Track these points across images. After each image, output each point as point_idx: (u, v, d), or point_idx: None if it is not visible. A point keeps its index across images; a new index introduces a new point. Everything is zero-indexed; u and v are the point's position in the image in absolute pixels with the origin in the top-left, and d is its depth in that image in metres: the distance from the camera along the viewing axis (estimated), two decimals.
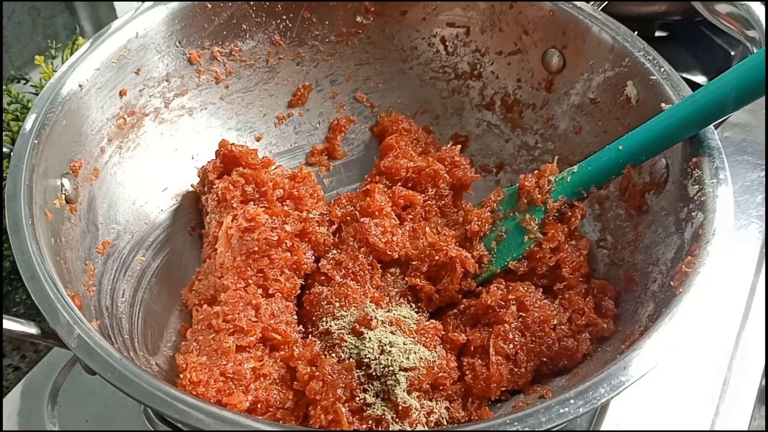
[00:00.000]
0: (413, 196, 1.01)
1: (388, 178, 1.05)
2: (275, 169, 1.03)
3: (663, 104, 0.89)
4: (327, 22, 1.12)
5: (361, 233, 0.95)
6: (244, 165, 1.00)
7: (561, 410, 0.63)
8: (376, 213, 0.97)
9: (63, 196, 0.84)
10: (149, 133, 1.02)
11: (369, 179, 1.08)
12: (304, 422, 0.79)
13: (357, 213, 0.98)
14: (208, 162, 1.03)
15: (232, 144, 1.02)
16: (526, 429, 0.61)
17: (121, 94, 0.97)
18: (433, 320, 0.89)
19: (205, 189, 1.02)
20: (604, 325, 0.86)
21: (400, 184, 1.03)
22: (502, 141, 1.13)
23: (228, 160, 1.01)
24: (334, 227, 0.99)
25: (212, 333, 0.84)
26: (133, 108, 0.99)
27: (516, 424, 0.62)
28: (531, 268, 0.92)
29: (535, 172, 0.95)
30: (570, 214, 0.92)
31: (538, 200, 0.92)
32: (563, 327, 0.86)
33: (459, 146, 1.08)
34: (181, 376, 0.80)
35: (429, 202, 1.02)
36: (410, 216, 1.00)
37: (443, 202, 1.03)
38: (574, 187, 0.91)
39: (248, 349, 0.84)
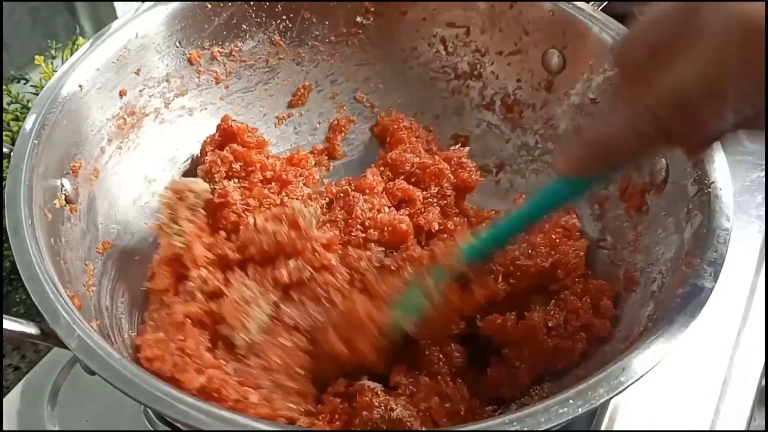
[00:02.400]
0: (412, 192, 1.01)
1: (391, 170, 1.05)
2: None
3: None
4: (327, 23, 1.12)
5: (348, 206, 0.97)
6: (239, 142, 1.02)
7: (560, 410, 0.62)
8: (367, 191, 0.99)
9: (63, 196, 0.84)
10: (149, 134, 1.02)
11: (374, 168, 1.08)
12: None
13: (349, 189, 1.01)
14: (209, 135, 1.05)
15: (234, 120, 1.04)
16: (526, 429, 0.61)
17: (121, 94, 0.97)
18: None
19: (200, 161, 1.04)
20: (601, 326, 0.86)
21: (402, 177, 1.04)
22: (502, 141, 1.13)
23: (226, 134, 1.03)
24: (325, 201, 1.01)
25: (165, 309, 0.85)
26: (133, 108, 0.99)
27: (515, 424, 0.61)
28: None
29: (447, 241, 0.93)
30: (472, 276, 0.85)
31: (444, 266, 0.84)
32: (559, 328, 0.86)
33: (467, 148, 1.08)
34: (139, 355, 0.79)
35: (430, 200, 1.02)
36: (410, 211, 1.00)
37: (445, 202, 1.03)
38: (479, 251, 0.83)
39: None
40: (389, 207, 0.99)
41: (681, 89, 0.53)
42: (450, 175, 1.03)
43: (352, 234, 0.95)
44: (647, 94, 0.56)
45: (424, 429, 0.76)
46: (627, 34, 0.62)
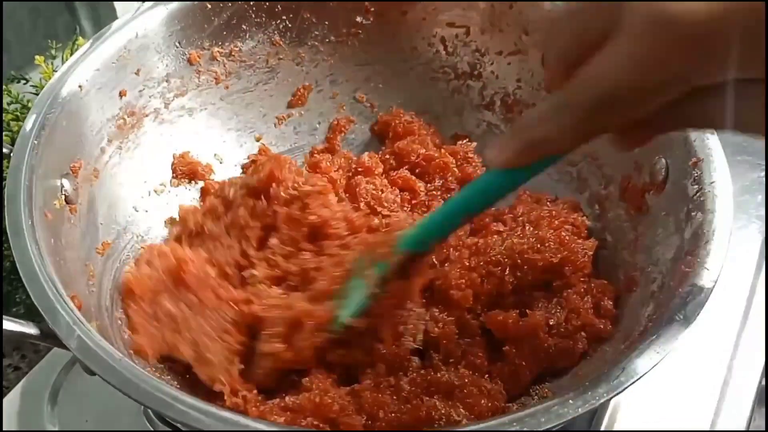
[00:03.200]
0: (413, 182, 1.01)
1: (397, 159, 1.05)
2: None
3: None
4: (327, 23, 1.12)
5: (351, 188, 1.01)
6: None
7: (560, 411, 0.62)
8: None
9: (63, 196, 0.84)
10: (149, 134, 1.02)
11: (380, 156, 1.09)
12: None
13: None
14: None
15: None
16: (525, 429, 0.61)
17: (121, 94, 0.97)
18: None
19: None
20: (601, 326, 0.85)
21: (406, 168, 1.04)
22: None
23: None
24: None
25: None
26: (133, 108, 0.99)
27: (515, 424, 0.61)
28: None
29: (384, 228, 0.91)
30: (411, 266, 0.83)
31: (382, 254, 0.83)
32: (560, 327, 0.86)
33: (474, 143, 1.08)
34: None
35: (434, 192, 1.02)
36: (413, 202, 1.02)
37: (449, 196, 1.03)
38: (416, 239, 0.81)
39: None
40: (391, 188, 1.01)
41: (598, 81, 0.52)
42: (455, 168, 1.03)
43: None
44: (569, 84, 0.54)
45: (427, 429, 0.76)
46: (554, 21, 0.59)
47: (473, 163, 1.05)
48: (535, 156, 0.61)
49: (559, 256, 0.90)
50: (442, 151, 1.06)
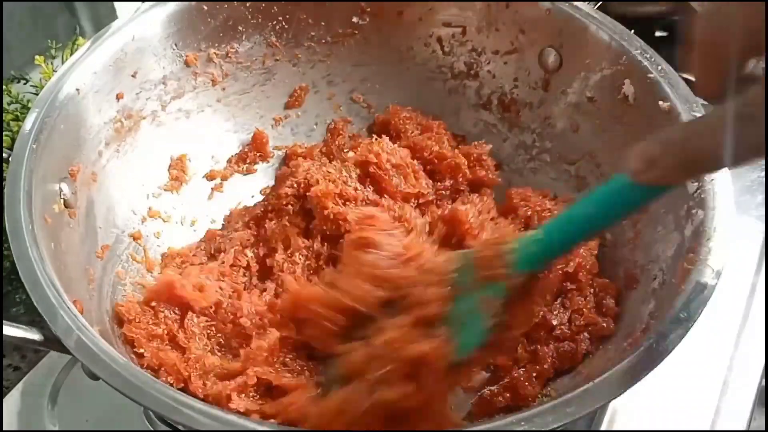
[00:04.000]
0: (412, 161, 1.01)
1: (411, 153, 1.04)
2: None
3: (661, 102, 0.89)
4: (323, 23, 1.12)
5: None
6: None
7: (567, 409, 0.63)
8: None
9: (62, 200, 0.84)
10: (146, 136, 1.01)
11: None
12: None
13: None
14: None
15: None
16: (533, 429, 0.61)
17: (118, 97, 0.96)
18: None
19: None
20: (604, 324, 0.86)
21: (419, 163, 1.04)
22: (499, 140, 1.13)
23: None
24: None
25: None
26: (131, 111, 0.98)
27: (523, 423, 0.62)
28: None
29: (495, 237, 0.81)
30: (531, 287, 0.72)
31: (498, 275, 0.70)
32: (563, 328, 0.86)
33: (490, 146, 1.08)
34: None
35: (443, 192, 1.02)
36: (420, 201, 1.00)
37: (458, 197, 1.02)
38: (539, 257, 0.70)
39: None
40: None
41: None
42: (466, 170, 1.03)
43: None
44: (753, 94, 0.47)
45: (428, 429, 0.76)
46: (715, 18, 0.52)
47: (486, 167, 1.05)
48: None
49: (571, 264, 0.90)
50: (456, 151, 1.05)
